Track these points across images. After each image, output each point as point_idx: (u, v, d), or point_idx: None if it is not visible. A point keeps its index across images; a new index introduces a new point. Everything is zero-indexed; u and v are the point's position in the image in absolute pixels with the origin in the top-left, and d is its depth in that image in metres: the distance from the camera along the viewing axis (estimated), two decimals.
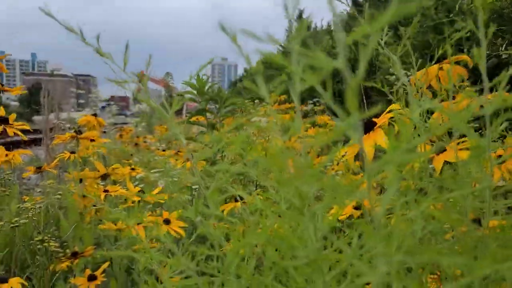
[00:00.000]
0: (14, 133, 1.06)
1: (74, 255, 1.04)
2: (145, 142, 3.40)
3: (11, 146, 1.72)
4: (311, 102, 3.79)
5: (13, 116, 1.05)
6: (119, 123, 5.60)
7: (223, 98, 1.58)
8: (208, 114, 1.57)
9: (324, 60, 0.20)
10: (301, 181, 0.30)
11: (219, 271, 0.41)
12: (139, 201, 1.12)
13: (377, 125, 0.67)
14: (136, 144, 3.20)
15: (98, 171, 1.42)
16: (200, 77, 1.59)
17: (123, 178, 1.58)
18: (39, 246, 0.91)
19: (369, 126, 0.67)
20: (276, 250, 0.33)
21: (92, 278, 1.00)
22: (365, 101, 2.81)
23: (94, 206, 1.35)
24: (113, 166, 1.43)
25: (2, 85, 1.06)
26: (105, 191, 1.30)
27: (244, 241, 0.39)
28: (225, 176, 0.47)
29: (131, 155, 3.19)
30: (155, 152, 3.05)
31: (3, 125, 1.01)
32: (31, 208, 1.00)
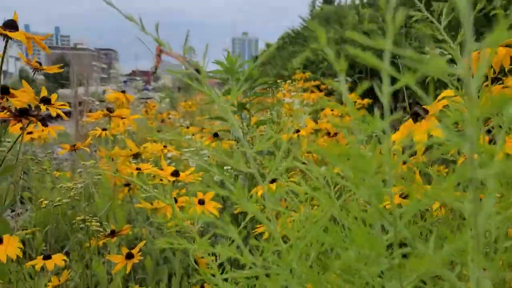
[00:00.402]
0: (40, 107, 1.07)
1: (112, 233, 1.06)
2: (169, 118, 3.42)
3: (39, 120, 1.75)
4: (336, 80, 3.72)
5: (55, 96, 1.06)
6: (144, 98, 5.62)
7: (253, 77, 1.56)
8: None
9: (443, 66, 0.18)
10: (382, 182, 0.29)
11: (278, 265, 0.41)
12: (173, 182, 1.13)
13: (430, 114, 0.65)
14: (162, 121, 3.22)
15: (130, 150, 1.44)
16: (230, 55, 1.57)
17: (153, 156, 1.59)
18: (81, 225, 0.94)
19: (418, 114, 0.65)
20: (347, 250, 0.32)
21: (129, 256, 1.02)
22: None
23: (127, 185, 1.37)
24: (144, 145, 1.44)
25: (40, 64, 1.06)
26: (138, 169, 1.31)
27: (307, 238, 0.38)
28: (278, 169, 0.46)
29: (158, 131, 3.22)
30: (180, 129, 3.06)
31: (46, 106, 1.02)
32: (73, 188, 1.02)
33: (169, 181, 1.12)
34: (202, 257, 1.21)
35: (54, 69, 1.08)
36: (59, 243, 1.58)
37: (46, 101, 1.03)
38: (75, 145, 1.31)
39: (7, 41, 1.02)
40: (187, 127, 2.96)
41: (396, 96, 3.30)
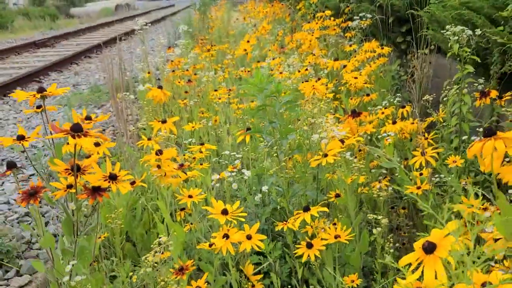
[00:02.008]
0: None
1: (181, 270, 1.33)
2: (195, 74, 3.52)
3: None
4: (357, 17, 3.63)
5: (117, 167, 1.26)
6: (156, 8, 5.54)
7: (280, 92, 1.68)
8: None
9: None
10: None
11: None
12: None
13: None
14: (189, 81, 3.34)
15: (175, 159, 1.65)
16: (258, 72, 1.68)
17: (200, 176, 1.78)
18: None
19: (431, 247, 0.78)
20: None
21: None
22: None
23: (183, 209, 1.62)
24: (190, 174, 1.64)
25: None
26: (189, 196, 1.54)
27: None
28: None
29: (186, 92, 3.36)
30: (209, 92, 3.19)
31: (114, 182, 1.22)
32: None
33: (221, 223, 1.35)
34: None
35: None
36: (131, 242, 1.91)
37: (113, 177, 1.23)
38: (134, 182, 1.53)
39: (75, 145, 1.17)
40: (215, 90, 3.09)
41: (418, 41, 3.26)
